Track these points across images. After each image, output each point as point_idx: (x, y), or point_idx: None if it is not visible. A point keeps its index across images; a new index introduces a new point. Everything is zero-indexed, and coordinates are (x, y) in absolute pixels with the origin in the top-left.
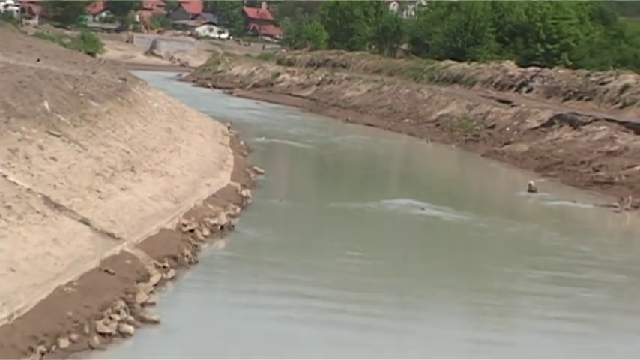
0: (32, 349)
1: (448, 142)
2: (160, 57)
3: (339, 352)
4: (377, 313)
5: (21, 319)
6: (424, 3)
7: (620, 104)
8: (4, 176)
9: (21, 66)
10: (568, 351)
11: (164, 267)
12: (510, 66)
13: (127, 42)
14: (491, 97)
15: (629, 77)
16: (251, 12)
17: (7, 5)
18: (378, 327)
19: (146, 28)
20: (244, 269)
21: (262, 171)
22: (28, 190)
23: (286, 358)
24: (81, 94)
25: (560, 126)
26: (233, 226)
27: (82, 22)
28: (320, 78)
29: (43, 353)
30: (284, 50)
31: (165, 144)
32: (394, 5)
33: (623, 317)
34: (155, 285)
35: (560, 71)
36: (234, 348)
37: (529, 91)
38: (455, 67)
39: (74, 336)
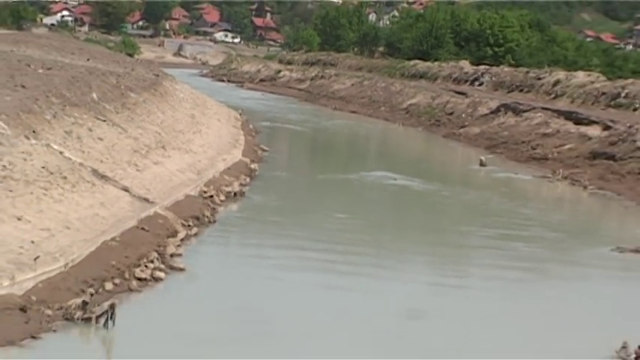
0: (83, 291)
1: (416, 125)
2: (185, 57)
3: (328, 294)
4: (359, 262)
5: (74, 267)
6: (396, 14)
7: (553, 96)
8: (61, 152)
9: (74, 64)
10: (510, 293)
11: (189, 225)
12: (465, 65)
13: (159, 45)
14: (450, 90)
15: (560, 74)
16: (258, 21)
17: (63, 16)
18: (360, 273)
19: (174, 34)
20: (253, 227)
21: (267, 149)
22: (80, 163)
23: (286, 308)
24: (122, 87)
25: (505, 113)
26: (244, 192)
27: (122, 29)
28: (313, 74)
29: (92, 294)
30: (284, 52)
31: (190, 127)
32: (372, 15)
33: (555, 266)
34: (181, 240)
35: (505, 69)
36: (248, 288)
37: (480, 85)
38: (421, 65)
39: (117, 281)
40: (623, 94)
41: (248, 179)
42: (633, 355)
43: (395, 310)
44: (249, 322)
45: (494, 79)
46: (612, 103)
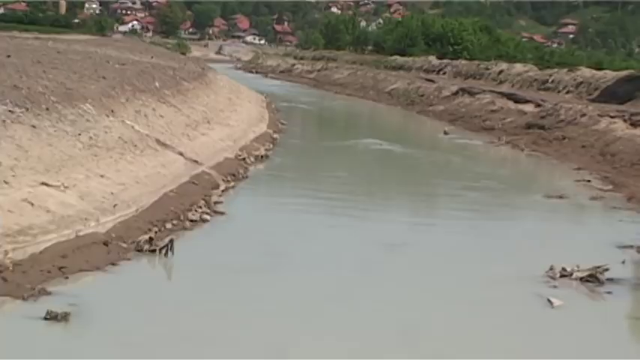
0: (149, 230)
1: (396, 105)
2: (224, 55)
3: (329, 231)
4: (353, 207)
5: (143, 212)
6: (381, 21)
7: (497, 82)
8: (132, 126)
9: (141, 61)
10: (465, 230)
11: (227, 180)
12: (432, 59)
13: (204, 46)
14: (421, 78)
15: (503, 65)
16: (278, 27)
17: (133, 25)
18: (353, 215)
19: (215, 37)
20: (275, 181)
21: (285, 122)
22: (146, 135)
23: (297, 242)
24: (177, 78)
25: (463, 95)
26: (268, 155)
27: (177, 34)
28: (319, 67)
29: (156, 232)
30: (297, 50)
31: (227, 107)
32: (363, 22)
33: (500, 209)
34: (222, 191)
35: (462, 62)
36: (273, 227)
37: (444, 74)
38: (399, 60)
39: (174, 222)
40: (550, 81)
41: (271, 145)
42: (559, 274)
43: (379, 242)
44: (269, 254)
45: (454, 69)
46: (542, 87)
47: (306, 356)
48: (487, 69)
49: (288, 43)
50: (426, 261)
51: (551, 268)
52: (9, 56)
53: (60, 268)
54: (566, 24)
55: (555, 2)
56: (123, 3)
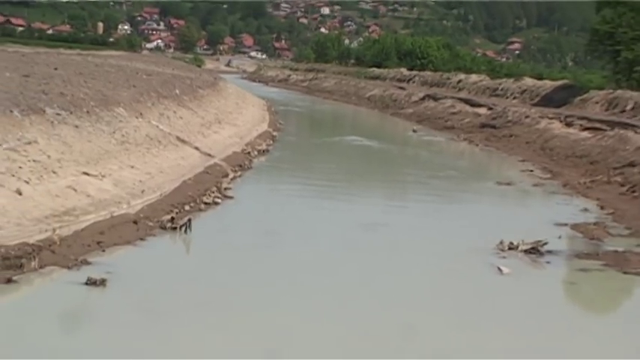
0: (171, 211)
1: (373, 108)
2: (232, 67)
3: (318, 212)
4: (337, 192)
5: (166, 196)
6: (362, 39)
7: (457, 89)
8: (157, 126)
9: (164, 72)
10: (429, 211)
11: (235, 170)
12: (404, 70)
13: (216, 60)
14: (395, 86)
15: (461, 76)
16: (277, 44)
17: (157, 43)
18: (337, 199)
19: (225, 52)
20: (274, 171)
21: (282, 122)
22: (169, 133)
23: (291, 222)
24: (194, 86)
25: (428, 100)
26: (268, 150)
27: (194, 50)
28: (310, 77)
29: (176, 213)
30: (293, 63)
31: (235, 110)
32: (347, 40)
33: (459, 194)
34: (231, 179)
35: (428, 73)
36: (272, 209)
37: (413, 82)
38: (377, 71)
39: (191, 204)
40: (499, 88)
41: (271, 142)
42: (507, 247)
43: (359, 222)
44: (268, 233)
45: (421, 79)
46: (493, 93)
47: (294, 314)
48: (448, 79)
49: (285, 57)
50: (398, 238)
51: (501, 242)
52: (56, 69)
53: (98, 243)
54: (513, 42)
55: (504, 24)
56: (149, 25)
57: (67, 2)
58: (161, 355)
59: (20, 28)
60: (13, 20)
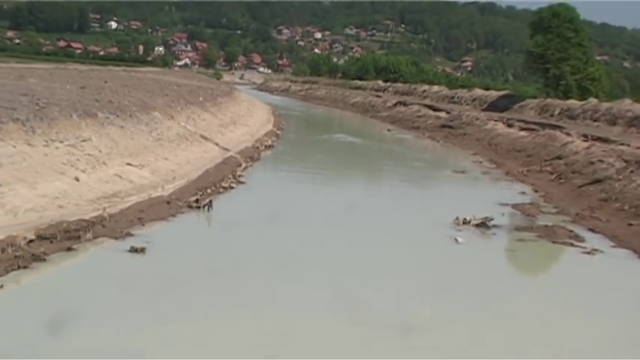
0: (196, 193)
1: (356, 112)
2: (244, 80)
3: (312, 195)
4: (327, 179)
5: (192, 182)
6: (347, 58)
7: (422, 97)
8: (185, 127)
9: (191, 84)
10: (400, 195)
11: (247, 161)
12: (380, 82)
13: (232, 74)
14: (373, 94)
15: (425, 87)
16: (280, 62)
17: (186, 61)
18: (327, 184)
19: (239, 68)
20: (278, 161)
21: (284, 123)
22: (194, 132)
23: (290, 203)
24: (214, 94)
25: (399, 105)
26: (273, 145)
27: (214, 66)
28: (306, 87)
29: (200, 195)
30: (292, 76)
31: (247, 113)
32: (335, 58)
33: (424, 181)
34: (244, 168)
35: (399, 84)
36: (275, 192)
37: (387, 92)
38: (359, 83)
39: (212, 188)
40: (455, 97)
41: (275, 138)
42: (461, 222)
43: (343, 203)
44: (272, 211)
45: (394, 89)
46: (451, 101)
47: (289, 278)
48: (415, 89)
49: (286, 72)
50: (374, 216)
51: (457, 218)
52: (106, 82)
53: (138, 219)
54: (466, 61)
55: (459, 47)
56: (179, 47)
57: (115, 30)
58: (190, 296)
59: (78, 51)
60: (73, 44)
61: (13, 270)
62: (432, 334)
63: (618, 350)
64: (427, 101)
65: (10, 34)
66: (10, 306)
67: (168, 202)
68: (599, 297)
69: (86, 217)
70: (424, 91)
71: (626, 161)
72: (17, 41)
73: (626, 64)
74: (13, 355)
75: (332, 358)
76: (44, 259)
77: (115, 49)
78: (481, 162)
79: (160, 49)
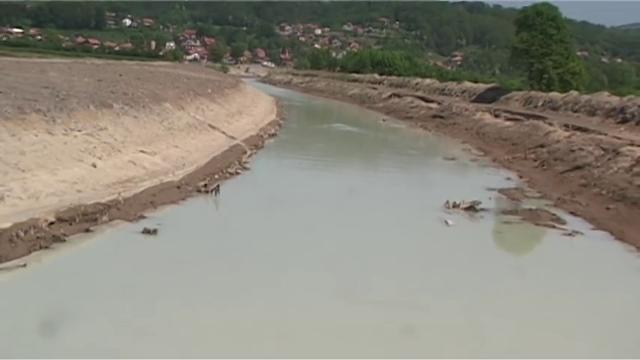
0: (205, 178)
1: (354, 103)
2: (249, 73)
3: (312, 179)
4: (326, 164)
5: (200, 168)
6: (345, 53)
7: (415, 89)
8: (194, 117)
9: (200, 77)
10: (394, 179)
11: (252, 149)
12: (376, 75)
13: (238, 68)
14: (369, 87)
15: (418, 80)
16: (283, 56)
17: (195, 55)
18: (327, 169)
19: (244, 62)
20: (280, 148)
21: (287, 113)
22: (203, 121)
23: (292, 187)
24: (221, 86)
25: (394, 97)
26: (276, 134)
27: (221, 60)
28: (307, 80)
29: (208, 180)
30: (294, 70)
31: (252, 104)
32: (334, 53)
33: (417, 167)
34: (248, 155)
35: (394, 77)
36: (278, 177)
37: (383, 84)
38: (356, 75)
39: (219, 174)
40: (446, 89)
41: (278, 127)
42: (451, 206)
43: (341, 187)
44: (274, 196)
45: (389, 82)
46: (441, 93)
47: (290, 257)
48: (408, 82)
49: (289, 65)
50: (370, 199)
51: (447, 202)
52: (121, 75)
53: (151, 202)
54: (455, 55)
55: (449, 42)
56: (189, 42)
57: (129, 27)
58: (199, 274)
59: (95, 46)
60: (90, 40)
61: (35, 250)
62: (423, 309)
63: (593, 317)
64: (420, 93)
65: (32, 31)
66: (32, 283)
67: (178, 187)
68: (579, 274)
69: (102, 201)
70: (417, 83)
71: (604, 149)
72: (39, 38)
73: (604, 59)
74: (33, 329)
75: (326, 328)
76: (64, 240)
77: (129, 45)
78: (470, 150)
79: (171, 44)
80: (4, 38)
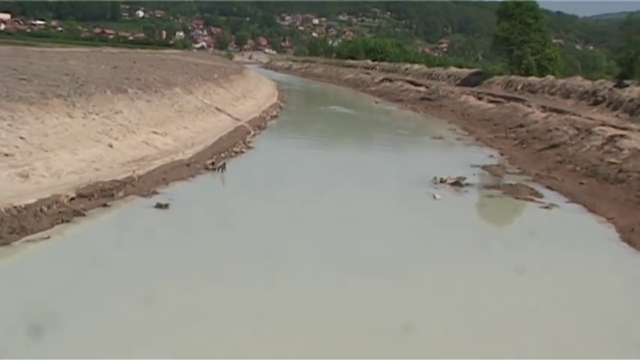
0: (212, 157)
1: (349, 87)
2: (252, 60)
3: (311, 157)
4: (324, 143)
5: (208, 147)
6: (340, 41)
7: (405, 74)
8: (202, 100)
9: (207, 64)
10: (387, 155)
11: (255, 129)
12: (369, 62)
13: (242, 55)
14: (363, 72)
15: (408, 65)
16: (283, 44)
17: (202, 44)
18: (323, 147)
19: (248, 50)
20: (282, 129)
21: (287, 97)
22: (210, 104)
23: (293, 164)
24: (227, 72)
25: (385, 81)
26: (277, 116)
27: (227, 48)
28: (306, 65)
29: (215, 158)
30: (294, 57)
31: (255, 88)
32: (330, 41)
33: (407, 145)
34: (252, 135)
35: (385, 63)
36: (279, 155)
37: (375, 70)
38: (351, 62)
39: (225, 152)
40: (433, 74)
41: (279, 110)
42: (439, 181)
43: (337, 164)
44: (275, 173)
45: (381, 67)
46: (429, 77)
47: (291, 228)
48: (399, 67)
49: (289, 52)
50: (363, 175)
51: (435, 178)
52: (135, 62)
53: (163, 179)
54: (442, 43)
55: (436, 31)
56: (197, 32)
57: (142, 18)
58: (207, 244)
59: (111, 36)
60: (107, 31)
61: (57, 224)
62: (409, 267)
63: (566, 278)
64: (409, 78)
65: (54, 23)
66: (55, 253)
67: (187, 165)
68: (554, 243)
69: (118, 178)
70: (406, 69)
71: (577, 129)
72: (60, 29)
73: (577, 46)
74: (62, 291)
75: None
76: (84, 214)
77: (142, 35)
78: (455, 130)
79: (180, 34)
80: (29, 30)
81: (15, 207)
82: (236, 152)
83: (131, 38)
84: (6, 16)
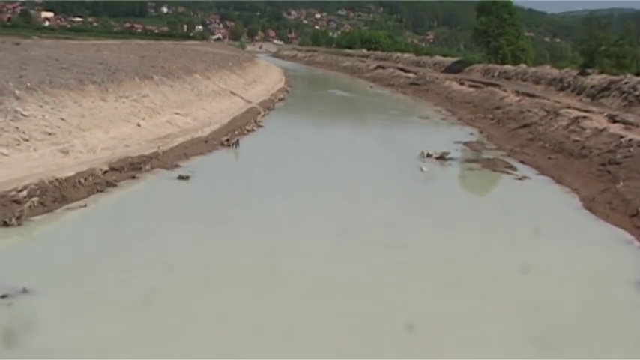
0: (227, 134)
1: (347, 73)
2: (262, 50)
3: (313, 136)
4: (324, 123)
5: (223, 126)
6: (339, 33)
7: (396, 62)
8: (218, 85)
9: (222, 53)
10: (379, 134)
11: (265, 110)
12: (364, 51)
13: (253, 45)
14: (359, 60)
15: (398, 54)
16: (290, 36)
17: (218, 36)
18: (324, 127)
19: (258, 41)
20: (289, 110)
21: (293, 82)
22: (225, 89)
23: (297, 144)
24: (240, 60)
25: (379, 69)
26: (284, 98)
27: (240, 39)
28: (309, 54)
29: (230, 135)
30: (299, 47)
31: (264, 74)
32: (330, 33)
33: (398, 124)
34: (262, 115)
35: (379, 53)
36: (286, 133)
37: (370, 58)
38: (349, 51)
39: (239, 131)
40: (421, 62)
41: (286, 93)
42: (426, 155)
43: (336, 142)
44: (284, 148)
45: (375, 56)
46: (417, 65)
47: (297, 197)
48: (391, 56)
49: (294, 43)
50: (358, 151)
51: (422, 153)
52: (159, 52)
53: (184, 154)
54: (428, 35)
55: (423, 24)
56: (214, 25)
57: (166, 14)
58: (224, 210)
59: (139, 30)
60: (135, 25)
61: (93, 194)
62: (397, 225)
63: (534, 235)
64: (400, 65)
65: (90, 19)
66: (92, 218)
67: (205, 142)
68: (526, 209)
69: (145, 154)
70: (397, 57)
71: (546, 111)
72: (95, 24)
73: (546, 39)
74: (104, 250)
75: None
76: (116, 185)
77: (166, 28)
78: (440, 111)
79: (199, 27)
80: (69, 25)
81: (57, 179)
82: (248, 130)
83: (156, 31)
84: (50, 14)
